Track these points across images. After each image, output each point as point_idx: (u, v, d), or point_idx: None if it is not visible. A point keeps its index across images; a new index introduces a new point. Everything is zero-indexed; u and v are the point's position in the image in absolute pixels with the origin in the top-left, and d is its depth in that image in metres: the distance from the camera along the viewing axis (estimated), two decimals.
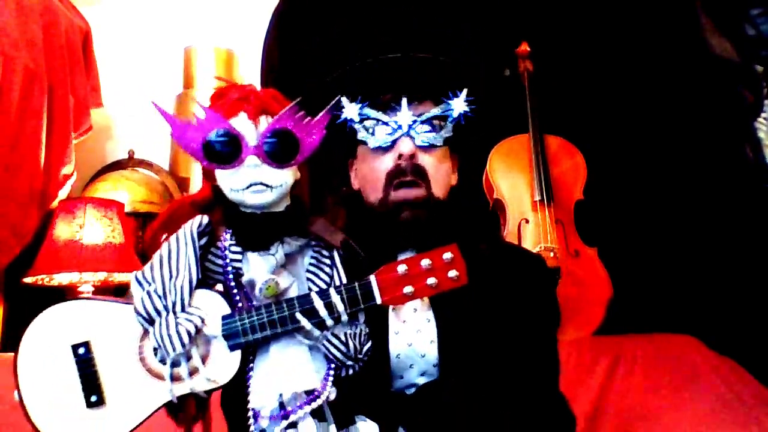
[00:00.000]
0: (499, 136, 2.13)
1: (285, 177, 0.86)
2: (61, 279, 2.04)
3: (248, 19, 2.49)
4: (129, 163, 2.41)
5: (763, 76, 1.97)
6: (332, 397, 0.84)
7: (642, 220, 2.10)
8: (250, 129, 0.84)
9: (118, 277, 1.99)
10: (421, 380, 1.00)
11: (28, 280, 1.97)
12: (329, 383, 0.84)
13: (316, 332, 0.83)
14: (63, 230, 1.94)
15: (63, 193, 2.12)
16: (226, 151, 0.83)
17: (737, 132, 2.01)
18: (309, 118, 0.86)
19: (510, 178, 2.09)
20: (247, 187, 0.84)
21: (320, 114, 0.87)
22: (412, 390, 1.00)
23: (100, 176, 2.38)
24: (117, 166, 2.41)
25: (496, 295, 1.02)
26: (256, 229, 0.85)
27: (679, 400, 1.56)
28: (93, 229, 1.95)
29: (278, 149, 0.84)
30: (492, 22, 2.21)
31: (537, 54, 2.24)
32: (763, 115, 1.97)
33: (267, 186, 0.84)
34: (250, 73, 2.44)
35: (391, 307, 1.01)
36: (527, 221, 2.02)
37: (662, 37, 2.12)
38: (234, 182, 0.84)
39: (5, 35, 1.88)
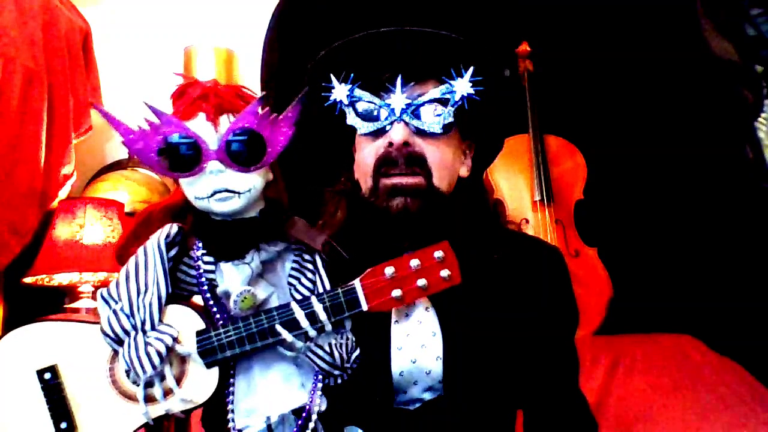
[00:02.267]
0: None
1: (253, 181, 0.78)
2: (61, 279, 2.04)
3: (248, 19, 2.49)
4: (129, 163, 2.41)
5: (763, 76, 1.97)
6: (322, 408, 0.79)
7: (642, 220, 2.10)
8: (209, 131, 0.76)
9: None
10: (427, 395, 0.91)
11: (28, 280, 1.97)
12: (317, 397, 0.79)
13: (299, 344, 0.77)
14: (63, 230, 1.94)
15: (63, 193, 2.12)
16: (184, 157, 0.75)
17: (737, 132, 2.01)
18: (275, 114, 0.77)
19: (510, 178, 2.09)
20: (212, 195, 0.76)
21: (288, 108, 0.78)
22: (417, 405, 0.91)
23: (100, 176, 2.38)
24: (117, 166, 2.41)
25: (510, 298, 0.93)
26: (227, 237, 0.78)
27: (679, 400, 1.57)
28: (93, 229, 1.95)
29: (242, 151, 0.76)
30: (492, 22, 2.21)
31: (537, 54, 2.24)
32: (763, 115, 1.97)
33: (233, 192, 0.76)
34: (250, 73, 2.44)
35: (393, 319, 0.93)
36: (527, 221, 2.02)
37: (663, 37, 2.12)
38: (197, 190, 0.77)
39: (5, 35, 1.88)
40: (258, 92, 0.82)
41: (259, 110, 0.77)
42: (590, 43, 2.16)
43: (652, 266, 2.03)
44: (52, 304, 2.08)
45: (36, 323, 0.82)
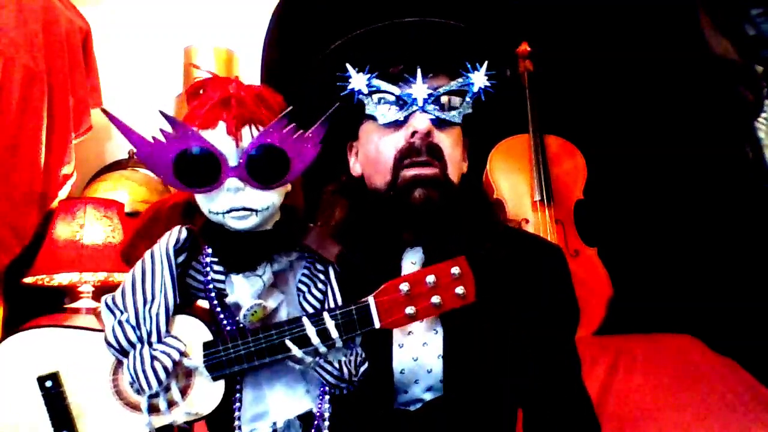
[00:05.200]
0: (499, 136, 2.13)
1: (271, 198, 0.73)
2: (61, 279, 2.04)
3: (248, 19, 2.49)
4: (129, 163, 2.41)
5: (763, 76, 1.97)
6: (328, 414, 0.78)
7: (642, 220, 2.10)
8: (230, 144, 0.71)
9: (118, 278, 1.99)
10: (428, 396, 0.90)
11: (28, 280, 1.97)
12: (325, 405, 0.77)
13: (308, 359, 0.75)
14: (63, 230, 1.94)
15: (63, 193, 2.12)
16: (201, 171, 0.70)
17: (737, 132, 2.00)
18: (301, 131, 0.72)
19: (510, 178, 2.09)
20: (228, 212, 0.72)
21: (314, 126, 0.73)
22: (418, 405, 0.90)
23: (100, 176, 2.38)
24: (117, 166, 2.41)
25: (512, 297, 0.92)
26: (240, 250, 0.74)
27: (679, 400, 1.56)
28: (93, 229, 1.95)
29: (264, 169, 0.71)
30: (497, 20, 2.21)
31: (537, 54, 2.24)
32: (763, 115, 1.97)
33: (251, 210, 0.72)
34: (250, 73, 2.44)
35: None
36: (527, 221, 2.02)
37: (663, 37, 2.12)
38: (213, 206, 0.73)
39: (5, 35, 1.88)
40: None
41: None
42: (590, 43, 2.16)
43: (652, 266, 2.03)
44: (52, 304, 2.08)
45: (37, 329, 0.80)
